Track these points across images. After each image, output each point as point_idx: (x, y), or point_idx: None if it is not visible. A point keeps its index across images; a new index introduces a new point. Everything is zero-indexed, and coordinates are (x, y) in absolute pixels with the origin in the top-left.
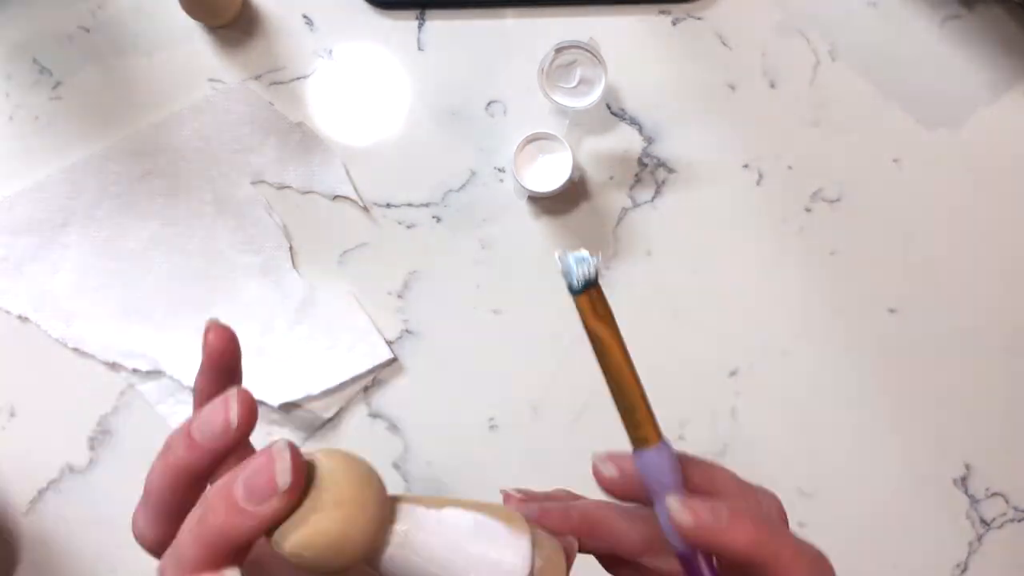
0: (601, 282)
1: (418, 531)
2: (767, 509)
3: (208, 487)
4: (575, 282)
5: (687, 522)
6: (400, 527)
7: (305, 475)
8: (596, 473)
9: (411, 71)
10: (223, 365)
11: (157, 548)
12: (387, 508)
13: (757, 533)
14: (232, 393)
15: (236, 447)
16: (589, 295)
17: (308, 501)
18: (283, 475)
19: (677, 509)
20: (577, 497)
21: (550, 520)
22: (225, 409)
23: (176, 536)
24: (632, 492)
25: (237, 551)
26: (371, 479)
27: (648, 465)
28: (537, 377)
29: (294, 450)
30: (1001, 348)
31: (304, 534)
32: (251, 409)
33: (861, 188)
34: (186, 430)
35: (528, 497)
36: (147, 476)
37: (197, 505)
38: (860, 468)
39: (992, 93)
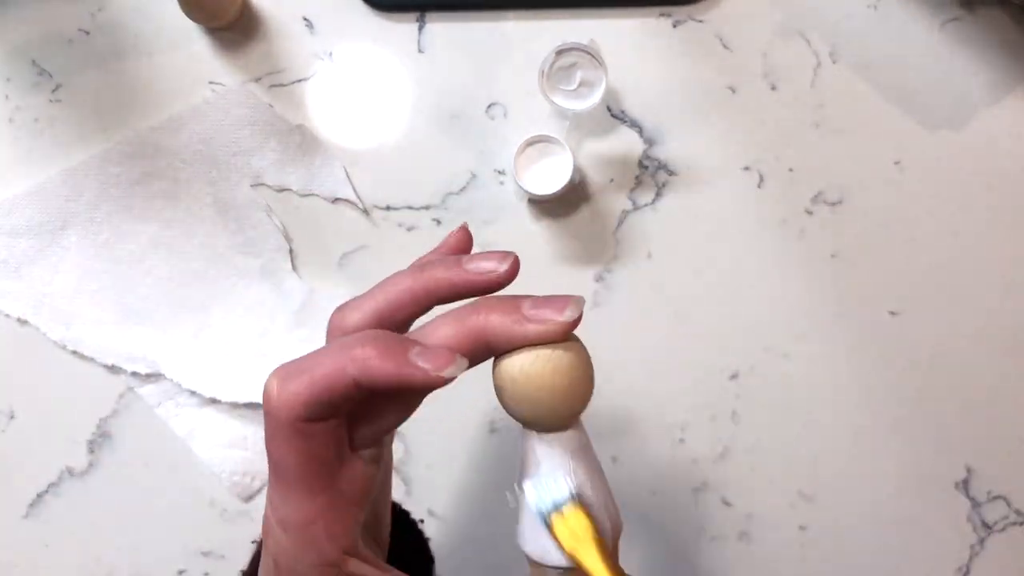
0: (601, 297)
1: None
2: None
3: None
4: (544, 509)
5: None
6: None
7: (576, 325)
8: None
9: (411, 73)
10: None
11: (352, 332)
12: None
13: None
14: (511, 253)
15: (487, 291)
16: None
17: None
18: (572, 311)
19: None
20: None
21: None
22: (500, 259)
23: (430, 322)
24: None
25: (484, 348)
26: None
27: None
28: None
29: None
30: (1003, 350)
31: (541, 367)
32: (516, 270)
33: (862, 190)
34: (457, 258)
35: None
36: (385, 280)
37: (469, 304)
38: (861, 471)
39: (993, 95)
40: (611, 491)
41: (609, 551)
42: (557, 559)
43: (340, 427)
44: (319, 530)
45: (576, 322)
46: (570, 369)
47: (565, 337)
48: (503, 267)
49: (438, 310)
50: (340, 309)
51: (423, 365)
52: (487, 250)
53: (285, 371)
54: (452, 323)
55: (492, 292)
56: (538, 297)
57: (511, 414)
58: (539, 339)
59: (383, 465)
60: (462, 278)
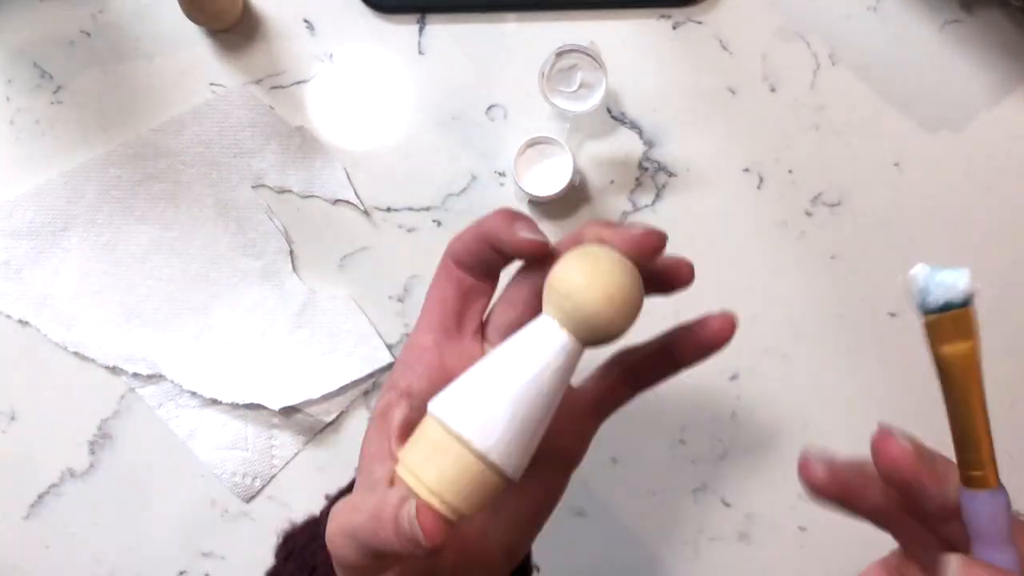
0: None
1: None
2: None
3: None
4: (931, 302)
5: None
6: None
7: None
8: (804, 468)
9: (411, 75)
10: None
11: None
12: None
13: None
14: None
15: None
16: (955, 317)
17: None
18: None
19: (954, 569)
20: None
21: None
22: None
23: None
24: (834, 495)
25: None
26: None
27: (979, 508)
28: None
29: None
30: (1003, 351)
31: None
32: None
33: (862, 192)
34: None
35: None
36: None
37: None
38: None
39: (993, 96)
40: (537, 442)
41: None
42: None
43: (473, 292)
44: (410, 358)
45: (652, 241)
46: (624, 283)
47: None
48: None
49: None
50: (460, 237)
51: (516, 229)
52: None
53: (465, 228)
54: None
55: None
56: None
57: (550, 294)
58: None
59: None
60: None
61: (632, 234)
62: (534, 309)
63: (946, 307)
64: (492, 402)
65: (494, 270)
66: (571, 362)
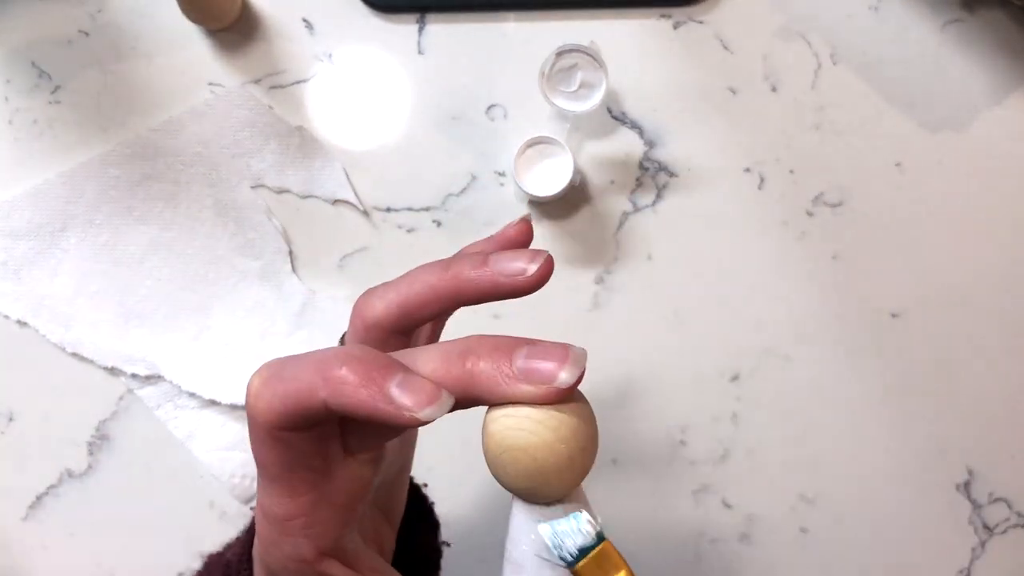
0: (601, 298)
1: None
2: None
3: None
4: (568, 555)
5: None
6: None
7: (574, 389)
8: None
9: (411, 75)
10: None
11: (373, 323)
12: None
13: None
14: (542, 252)
15: (514, 295)
16: (596, 557)
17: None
18: (570, 372)
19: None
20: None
21: None
22: (530, 259)
23: (423, 348)
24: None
25: (471, 399)
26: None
27: None
28: None
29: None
30: (1004, 352)
31: (530, 432)
32: (547, 273)
33: (863, 192)
34: (484, 256)
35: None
36: (413, 271)
37: (461, 341)
38: (862, 473)
39: (994, 96)
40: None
41: None
42: None
43: (326, 435)
44: (297, 527)
45: (575, 385)
46: (568, 437)
47: (560, 400)
48: (532, 268)
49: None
50: (366, 295)
51: (402, 401)
52: (520, 248)
53: (268, 372)
54: (440, 360)
55: (520, 295)
56: (535, 346)
57: (497, 480)
58: (530, 400)
59: (394, 457)
60: (487, 279)
61: (561, 386)
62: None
63: (584, 551)
64: None
65: (326, 420)
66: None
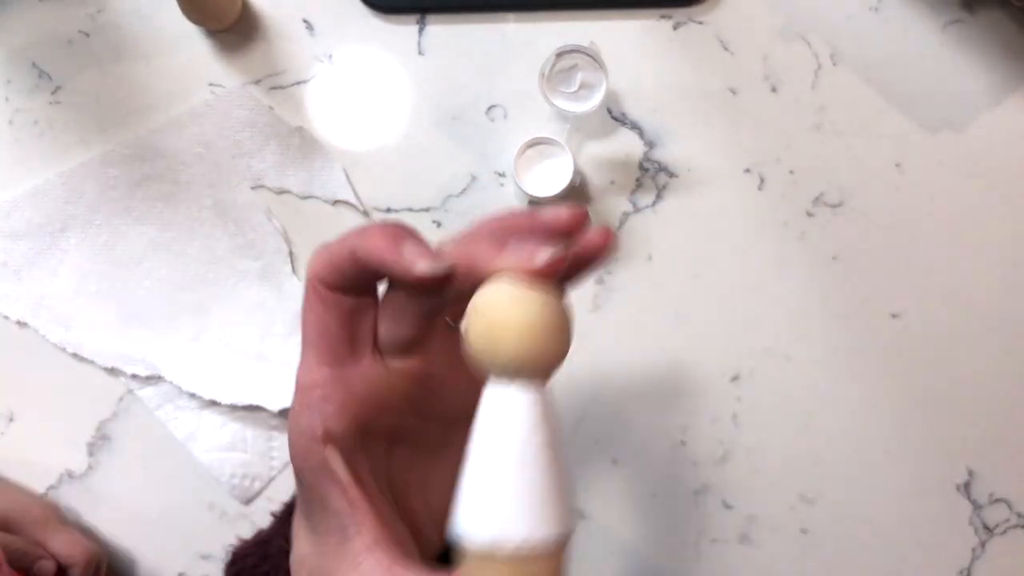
0: (601, 299)
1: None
2: None
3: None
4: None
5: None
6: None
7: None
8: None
9: (411, 75)
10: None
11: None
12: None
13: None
14: (440, 257)
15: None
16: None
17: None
18: (544, 255)
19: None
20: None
21: None
22: (432, 258)
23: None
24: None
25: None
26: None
27: None
28: None
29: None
30: (1004, 352)
31: (507, 303)
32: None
33: (863, 193)
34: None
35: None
36: (373, 233)
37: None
38: (862, 474)
39: (995, 97)
40: (568, 483)
41: None
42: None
43: (361, 310)
44: (315, 398)
45: (553, 266)
46: (539, 315)
47: (536, 279)
48: (430, 266)
49: None
50: (323, 252)
51: (407, 256)
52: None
53: (325, 244)
54: (455, 244)
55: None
56: (530, 223)
57: (473, 355)
58: (513, 268)
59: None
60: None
61: (539, 263)
62: (426, 322)
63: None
64: (513, 497)
65: (373, 286)
66: (545, 401)
